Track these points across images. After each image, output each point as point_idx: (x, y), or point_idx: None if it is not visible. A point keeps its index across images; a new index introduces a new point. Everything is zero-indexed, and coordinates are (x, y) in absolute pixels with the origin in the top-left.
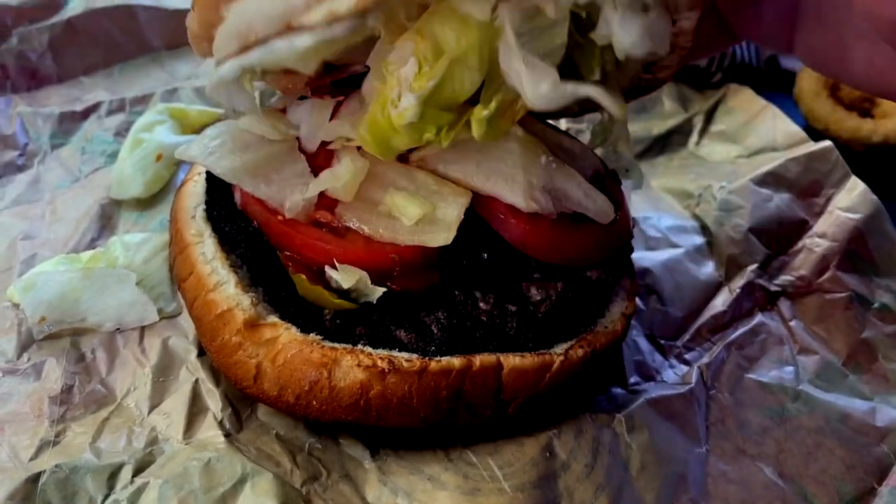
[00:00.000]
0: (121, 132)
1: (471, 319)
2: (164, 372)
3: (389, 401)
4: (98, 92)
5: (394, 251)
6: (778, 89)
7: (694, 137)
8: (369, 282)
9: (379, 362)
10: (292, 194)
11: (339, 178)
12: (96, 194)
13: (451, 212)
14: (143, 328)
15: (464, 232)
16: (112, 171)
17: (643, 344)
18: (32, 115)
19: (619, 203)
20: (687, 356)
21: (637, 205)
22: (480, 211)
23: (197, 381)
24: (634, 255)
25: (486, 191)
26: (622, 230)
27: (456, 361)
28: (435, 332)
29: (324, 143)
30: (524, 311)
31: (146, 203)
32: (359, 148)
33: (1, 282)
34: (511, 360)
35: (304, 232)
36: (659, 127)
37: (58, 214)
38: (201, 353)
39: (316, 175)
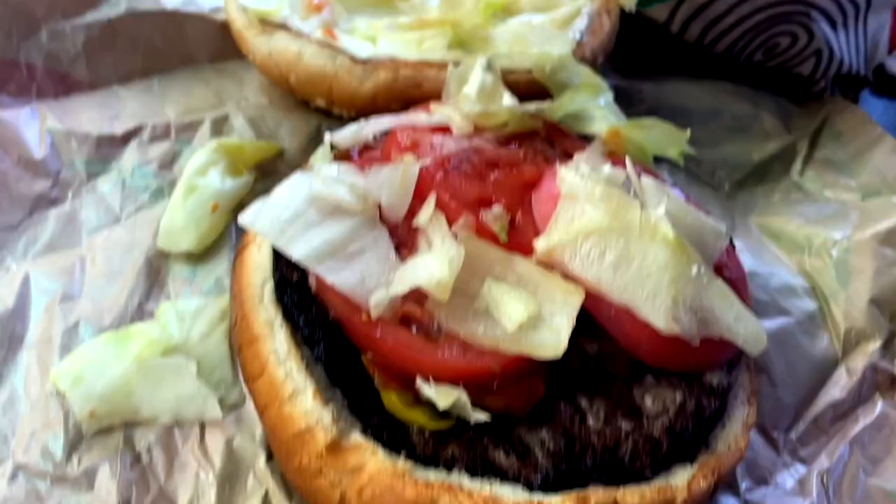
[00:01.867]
0: (165, 164)
1: (580, 442)
2: (230, 480)
3: None
4: (135, 107)
5: (495, 362)
6: (882, 93)
7: (797, 165)
8: (469, 404)
9: None
10: (377, 287)
11: (434, 274)
12: (141, 242)
13: (561, 317)
14: (203, 423)
15: None
16: (160, 217)
17: (753, 436)
18: (65, 134)
19: (742, 284)
20: (802, 453)
21: (740, 255)
22: (587, 304)
23: (267, 493)
24: None
25: (621, 301)
26: None
27: (569, 503)
28: (540, 457)
29: (409, 212)
30: (639, 429)
31: (199, 257)
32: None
33: (41, 356)
34: (629, 499)
35: (392, 336)
36: (759, 152)
37: (99, 267)
38: (269, 456)
39: (400, 253)
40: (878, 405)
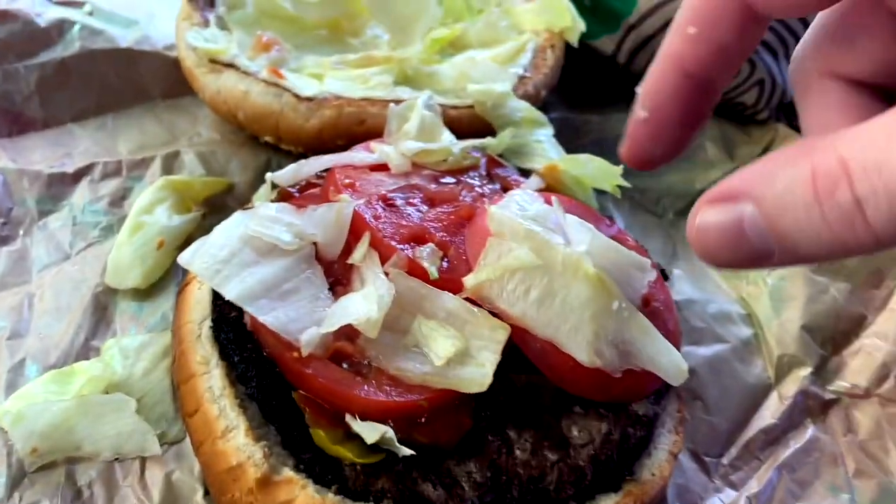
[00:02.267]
0: (116, 201)
1: (506, 473)
2: None
3: None
4: (89, 145)
5: (421, 396)
6: None
7: None
8: (396, 440)
9: None
10: (309, 325)
11: (363, 312)
12: (90, 279)
13: (488, 353)
14: (143, 458)
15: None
16: (107, 254)
17: (685, 461)
18: (17, 173)
19: (670, 313)
20: (733, 477)
21: (679, 282)
22: (515, 338)
23: None
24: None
25: (545, 335)
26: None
27: None
28: (467, 489)
29: (344, 250)
30: (564, 459)
31: (145, 294)
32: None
33: None
34: None
35: (322, 373)
36: (702, 180)
37: (47, 304)
38: (207, 492)
39: (335, 290)
40: (809, 430)
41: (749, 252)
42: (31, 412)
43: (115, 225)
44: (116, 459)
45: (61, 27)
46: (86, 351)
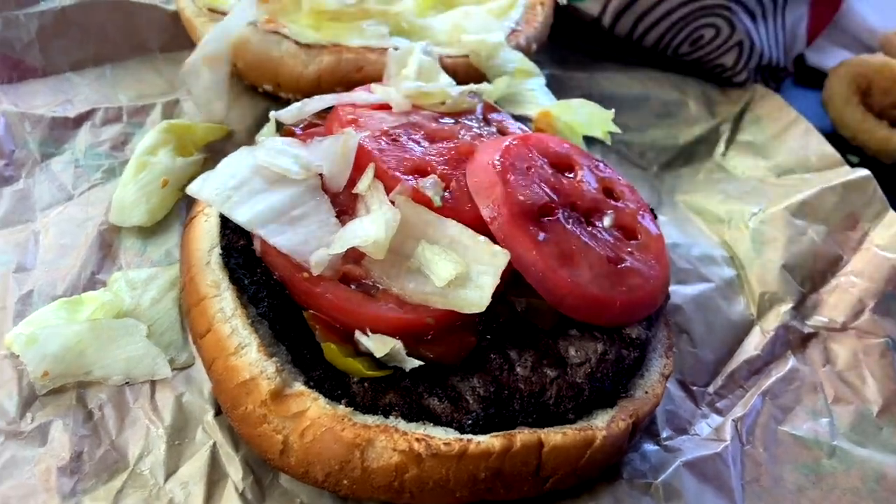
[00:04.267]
0: (117, 146)
1: (508, 388)
2: (179, 434)
3: (425, 483)
4: (89, 93)
5: (428, 314)
6: (803, 84)
7: (720, 147)
8: (404, 352)
9: (416, 445)
10: (318, 248)
11: (370, 235)
12: (94, 218)
13: (487, 277)
14: (153, 382)
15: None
16: (111, 194)
17: (674, 390)
18: (19, 116)
19: (660, 253)
20: (719, 405)
21: (665, 227)
22: (515, 263)
23: (215, 444)
24: None
25: None
26: (665, 283)
27: (496, 442)
28: (471, 402)
29: (349, 182)
30: (563, 376)
31: (150, 231)
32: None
33: None
34: (552, 438)
35: (332, 291)
36: (686, 135)
37: (52, 241)
38: (218, 412)
39: (341, 219)
40: (790, 361)
41: None
42: (44, 335)
43: (118, 168)
44: (127, 383)
45: None
46: (92, 284)
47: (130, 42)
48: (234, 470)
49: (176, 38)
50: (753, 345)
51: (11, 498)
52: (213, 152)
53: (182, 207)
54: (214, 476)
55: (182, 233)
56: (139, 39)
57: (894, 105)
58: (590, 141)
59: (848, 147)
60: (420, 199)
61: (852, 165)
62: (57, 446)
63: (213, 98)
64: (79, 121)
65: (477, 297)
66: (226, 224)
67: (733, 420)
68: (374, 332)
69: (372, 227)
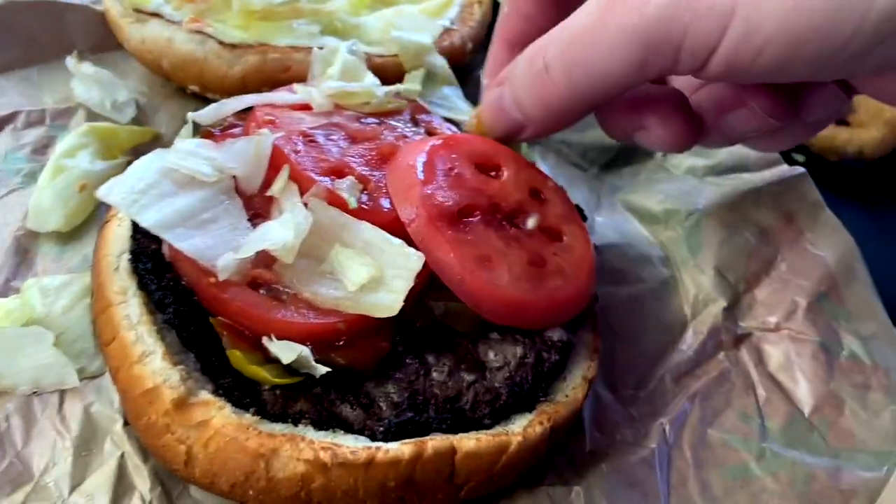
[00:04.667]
0: (38, 149)
1: (423, 394)
2: (87, 445)
3: (333, 493)
4: (13, 96)
5: (339, 319)
6: None
7: None
8: (312, 359)
9: (321, 454)
10: (225, 252)
11: (280, 238)
12: (11, 223)
13: (401, 281)
14: (62, 392)
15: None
16: (30, 199)
17: (602, 393)
18: None
19: (584, 254)
20: (648, 408)
21: (601, 228)
22: (433, 266)
23: (123, 455)
24: (598, 289)
25: None
26: (589, 286)
27: (406, 449)
28: (384, 409)
29: (264, 184)
30: (480, 381)
31: (68, 237)
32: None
33: None
34: (465, 444)
35: (239, 297)
36: None
37: None
38: (127, 422)
39: (254, 223)
40: (721, 362)
41: (509, 123)
42: None
43: (38, 172)
44: (35, 393)
45: None
46: (6, 291)
47: (57, 43)
48: (142, 481)
49: (106, 38)
50: (685, 346)
51: None
52: (139, 155)
53: (101, 212)
54: (121, 488)
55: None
56: (66, 40)
57: None
58: (529, 142)
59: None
60: (336, 201)
61: (797, 164)
62: None
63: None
64: (0, 125)
65: (389, 301)
66: (137, 228)
67: (661, 422)
68: (283, 338)
69: (282, 230)
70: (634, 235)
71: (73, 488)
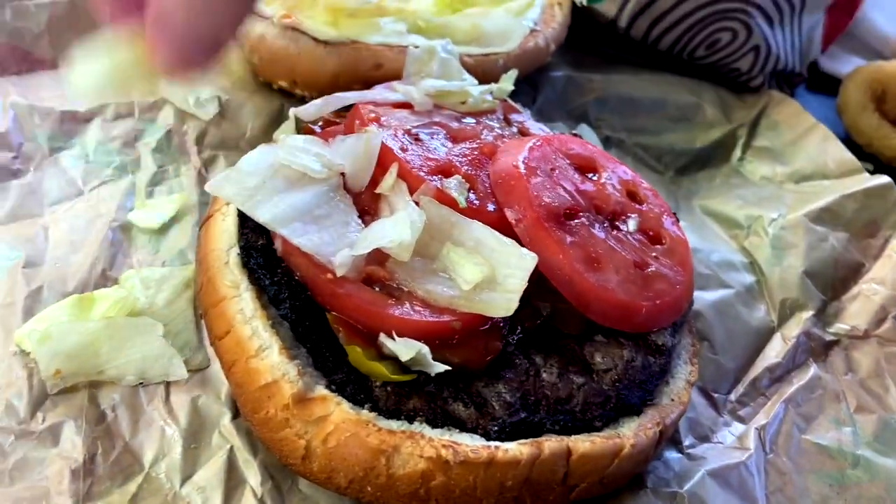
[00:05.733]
0: (129, 142)
1: (534, 395)
2: (195, 437)
3: (452, 491)
4: None
5: (454, 318)
6: (816, 90)
7: (737, 152)
8: (430, 356)
9: (443, 452)
10: (341, 248)
11: (396, 236)
12: (105, 215)
13: (515, 280)
14: (168, 383)
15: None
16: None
17: (696, 398)
18: (28, 109)
19: (685, 258)
20: (741, 412)
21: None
22: (542, 267)
23: (232, 449)
24: None
25: None
26: (689, 289)
27: (524, 450)
28: (497, 409)
29: (371, 181)
30: (589, 383)
31: (163, 231)
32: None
33: (3, 319)
34: (580, 446)
35: (356, 293)
36: (701, 139)
37: (62, 236)
38: (235, 415)
39: (363, 219)
40: (811, 369)
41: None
42: (57, 332)
43: (129, 164)
44: (141, 384)
45: None
46: (104, 281)
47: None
48: (253, 475)
49: None
50: (775, 352)
51: (23, 500)
52: (226, 149)
53: (196, 209)
54: (232, 481)
55: (199, 230)
56: None
57: None
58: (606, 144)
59: (862, 154)
60: (444, 199)
61: (869, 173)
62: (69, 447)
63: None
64: (89, 116)
65: (504, 301)
66: (244, 223)
67: (756, 428)
68: (398, 335)
69: (397, 227)
70: (716, 240)
71: (184, 480)
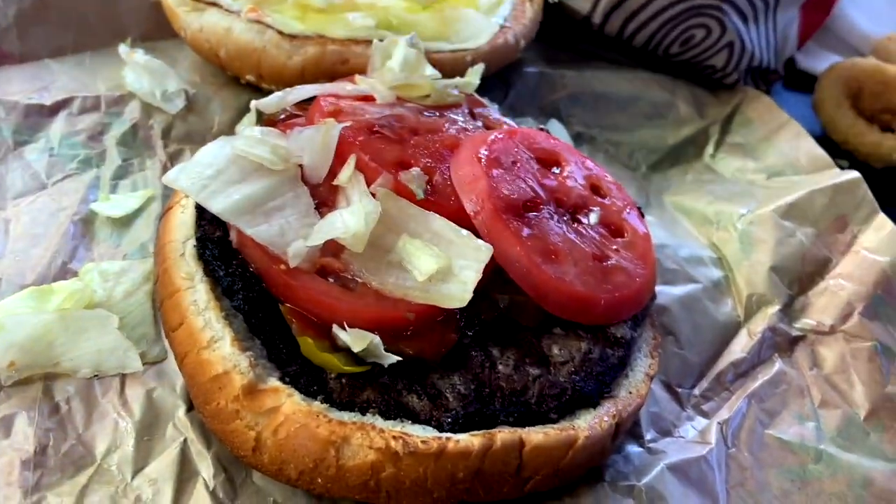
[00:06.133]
0: (94, 136)
1: (489, 386)
2: (149, 430)
3: (402, 482)
4: (67, 81)
5: (408, 309)
6: (793, 87)
7: (709, 149)
8: (382, 347)
9: (392, 443)
10: (295, 239)
11: (350, 227)
12: (67, 208)
13: (470, 272)
14: (123, 375)
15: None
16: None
17: (659, 392)
18: None
19: (646, 251)
20: (705, 407)
21: (653, 228)
22: (498, 258)
23: (185, 441)
24: None
25: None
26: (651, 282)
27: (476, 441)
28: (451, 400)
29: (329, 173)
30: (545, 375)
31: (125, 224)
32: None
33: None
34: (534, 438)
35: (309, 284)
36: (674, 136)
37: (23, 230)
38: (189, 408)
39: (320, 211)
40: (776, 364)
41: None
42: (11, 323)
43: (94, 158)
44: (96, 376)
45: None
46: (63, 273)
47: (111, 29)
48: (206, 467)
49: (158, 27)
50: (740, 347)
51: None
52: (193, 143)
53: (160, 203)
54: (185, 474)
55: (158, 223)
56: (120, 27)
57: (885, 109)
58: (577, 140)
59: (838, 151)
60: (402, 191)
61: (842, 169)
62: (21, 439)
63: None
64: (55, 109)
65: (459, 291)
66: (202, 215)
67: (719, 423)
68: (351, 326)
69: (352, 219)
70: (686, 236)
71: (135, 472)
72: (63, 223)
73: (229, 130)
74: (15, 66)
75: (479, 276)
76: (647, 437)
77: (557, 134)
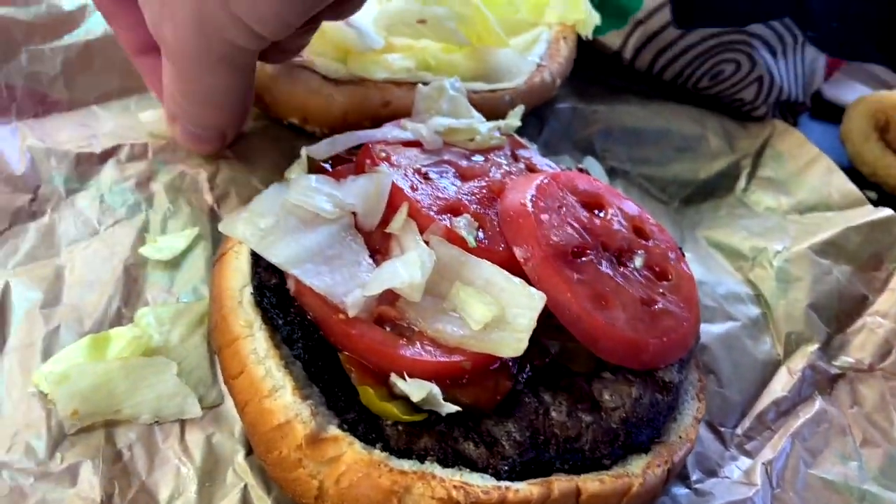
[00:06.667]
0: (143, 182)
1: (544, 433)
2: (210, 476)
3: None
4: (114, 127)
5: (464, 358)
6: (819, 117)
7: (741, 183)
8: (440, 396)
9: (454, 493)
10: (353, 289)
11: (407, 277)
12: (119, 254)
13: (524, 319)
14: (183, 421)
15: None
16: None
17: (702, 431)
18: (45, 152)
19: (691, 294)
20: (748, 447)
21: (689, 264)
22: (550, 305)
23: (246, 487)
24: None
25: None
26: (696, 325)
27: (534, 490)
28: (507, 448)
29: (382, 221)
30: (598, 421)
31: (176, 266)
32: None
33: (22, 360)
34: (590, 486)
35: (368, 334)
36: (706, 170)
37: (78, 276)
38: (248, 452)
39: (374, 258)
40: (817, 402)
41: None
42: (74, 373)
43: (143, 203)
44: (156, 422)
45: (84, 11)
46: (119, 319)
47: None
48: None
49: None
50: (781, 385)
51: None
52: (237, 185)
53: (209, 244)
54: None
55: (212, 268)
56: None
57: None
58: (611, 174)
59: (865, 183)
60: (454, 238)
61: (870, 201)
62: (87, 487)
63: None
64: (104, 156)
65: (514, 340)
66: (257, 262)
67: (763, 463)
68: (409, 375)
69: (408, 268)
70: (722, 272)
71: None
72: (116, 268)
73: (274, 172)
74: (63, 114)
75: (534, 324)
76: (694, 477)
77: (594, 171)
